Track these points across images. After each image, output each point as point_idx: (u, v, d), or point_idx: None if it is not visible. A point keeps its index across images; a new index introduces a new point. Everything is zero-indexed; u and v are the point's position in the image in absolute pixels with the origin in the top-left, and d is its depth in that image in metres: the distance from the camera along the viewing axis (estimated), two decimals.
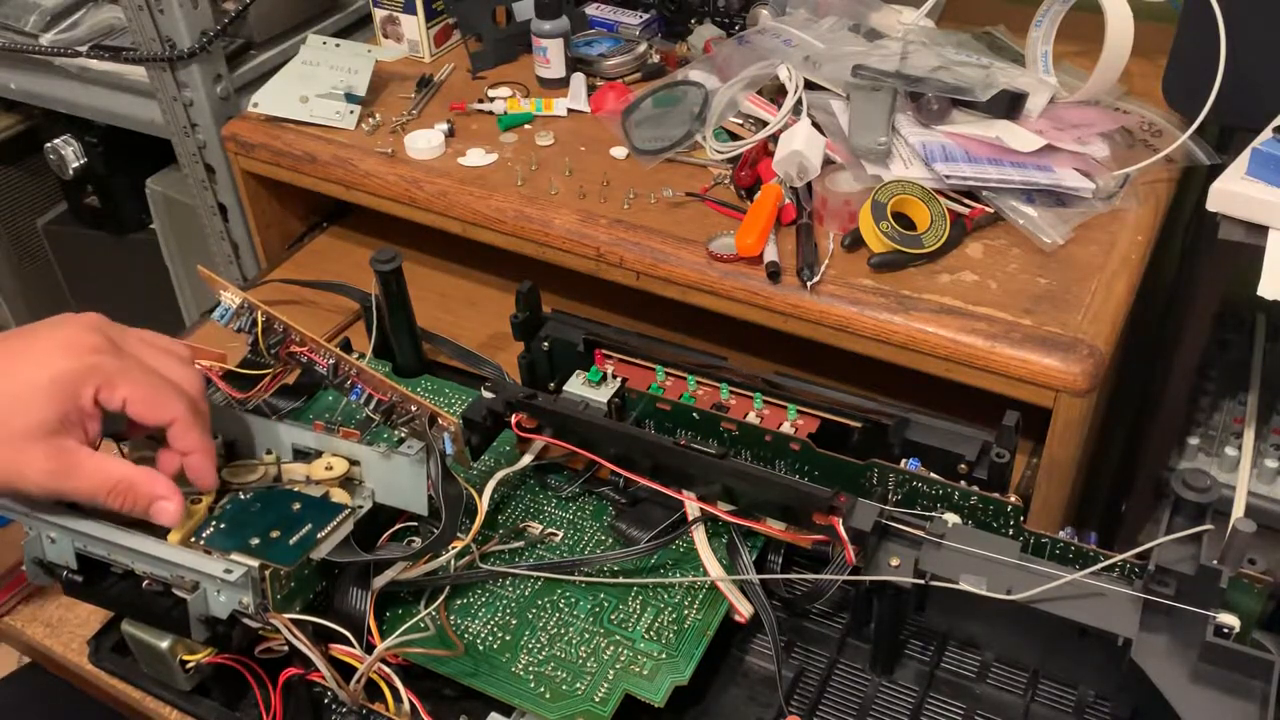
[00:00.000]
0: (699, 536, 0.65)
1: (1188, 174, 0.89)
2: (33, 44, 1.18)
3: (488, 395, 0.70)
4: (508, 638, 0.62)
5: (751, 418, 0.71)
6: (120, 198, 1.43)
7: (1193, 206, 1.00)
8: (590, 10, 1.14)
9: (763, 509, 0.64)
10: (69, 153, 1.39)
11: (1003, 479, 0.63)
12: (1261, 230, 0.72)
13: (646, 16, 1.12)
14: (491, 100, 1.03)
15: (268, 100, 1.02)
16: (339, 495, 0.63)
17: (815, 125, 0.88)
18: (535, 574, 0.66)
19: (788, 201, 0.85)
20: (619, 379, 0.73)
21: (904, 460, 0.64)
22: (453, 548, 0.64)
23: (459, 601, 0.65)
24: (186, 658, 0.60)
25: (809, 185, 0.86)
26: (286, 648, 0.59)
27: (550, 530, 0.69)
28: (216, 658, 0.61)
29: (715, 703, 0.62)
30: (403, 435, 0.64)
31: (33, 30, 1.18)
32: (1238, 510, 0.83)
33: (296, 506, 0.61)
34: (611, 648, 0.61)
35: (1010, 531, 0.60)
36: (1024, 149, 0.83)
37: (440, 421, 0.62)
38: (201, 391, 0.61)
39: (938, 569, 0.57)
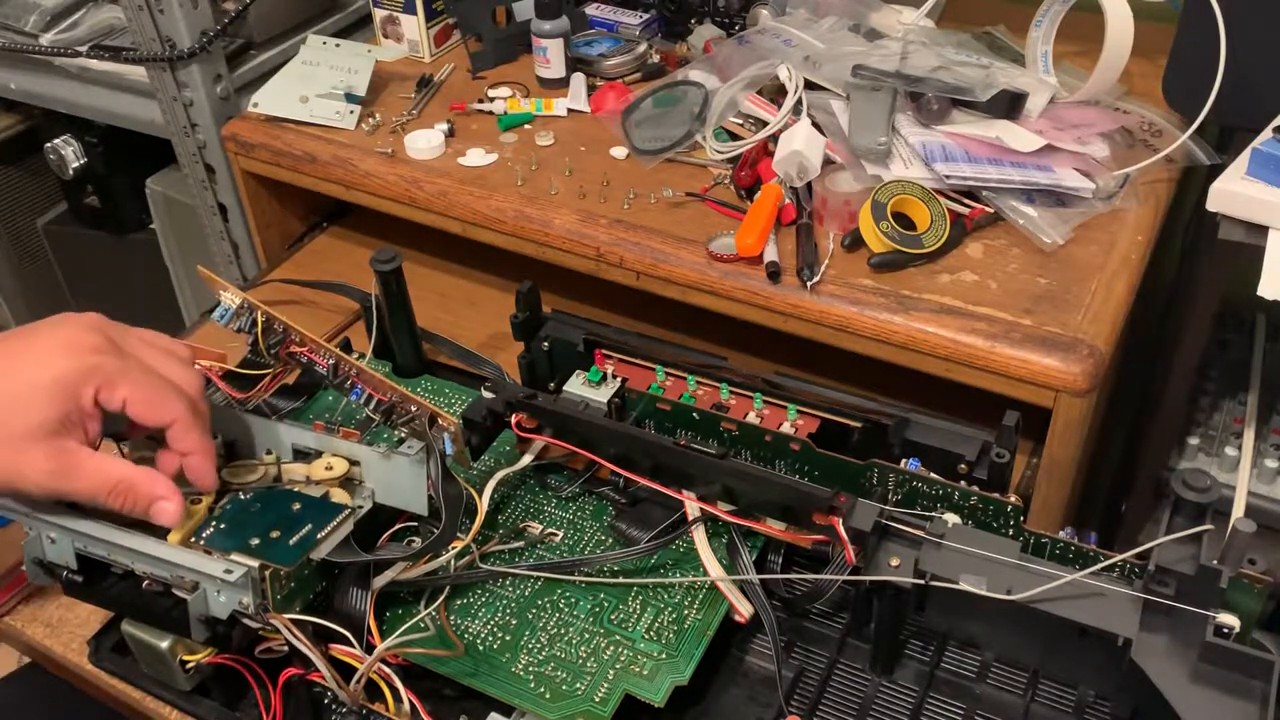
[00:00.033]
0: (699, 536, 0.65)
1: (1188, 174, 0.89)
2: (33, 44, 1.18)
3: (488, 395, 0.70)
4: (508, 638, 0.62)
5: (751, 418, 0.71)
6: (120, 198, 1.43)
7: (1193, 206, 1.00)
8: (590, 10, 1.14)
9: (763, 509, 0.64)
10: (69, 153, 1.38)
11: (1003, 479, 0.63)
12: (1261, 230, 0.73)
13: (646, 16, 1.12)
14: (491, 100, 1.03)
15: (268, 100, 1.02)
16: (339, 495, 0.63)
17: (815, 125, 0.88)
18: (535, 574, 0.66)
19: (788, 201, 0.85)
20: (619, 379, 0.73)
21: (904, 460, 0.64)
22: (453, 548, 0.64)
23: (459, 601, 0.65)
24: (186, 658, 0.60)
25: (809, 185, 0.86)
26: (286, 648, 0.59)
27: (550, 530, 0.69)
28: (216, 658, 0.61)
29: (715, 703, 0.62)
30: (403, 435, 0.64)
31: (33, 30, 1.18)
32: (1238, 510, 0.83)
33: (296, 507, 0.61)
34: (611, 648, 0.61)
35: (1010, 531, 0.60)
36: (1024, 149, 0.83)
37: (440, 421, 0.62)
38: (201, 392, 0.61)
39: (938, 569, 0.57)
